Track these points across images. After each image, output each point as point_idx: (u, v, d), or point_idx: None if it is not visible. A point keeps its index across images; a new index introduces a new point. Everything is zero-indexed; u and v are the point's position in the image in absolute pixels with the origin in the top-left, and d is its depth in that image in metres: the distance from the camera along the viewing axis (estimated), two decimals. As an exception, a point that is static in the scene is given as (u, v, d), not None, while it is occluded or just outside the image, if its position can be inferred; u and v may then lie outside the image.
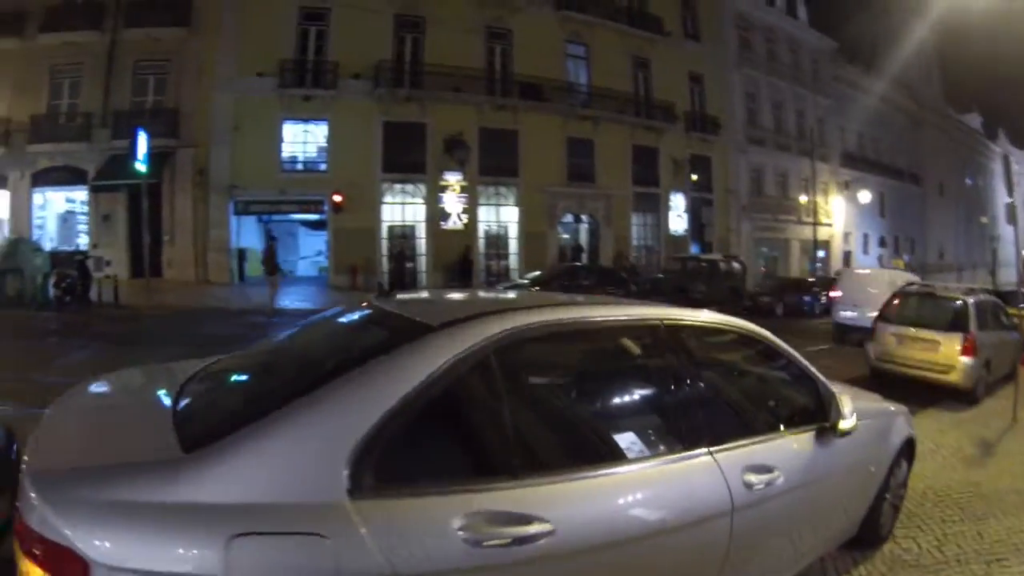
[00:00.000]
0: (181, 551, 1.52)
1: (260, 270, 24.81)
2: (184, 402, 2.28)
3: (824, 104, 37.21)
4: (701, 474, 2.42)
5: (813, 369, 3.25)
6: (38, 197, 23.92)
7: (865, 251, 40.83)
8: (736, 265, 23.09)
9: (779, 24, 35.13)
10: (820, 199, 35.82)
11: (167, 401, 2.31)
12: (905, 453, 4.01)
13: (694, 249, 27.08)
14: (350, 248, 22.31)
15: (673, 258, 23.65)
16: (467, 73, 23.64)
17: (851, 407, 3.01)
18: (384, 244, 23.51)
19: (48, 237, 23.57)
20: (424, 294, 4.19)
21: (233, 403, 2.32)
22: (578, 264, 22.49)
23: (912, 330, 9.44)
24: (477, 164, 23.88)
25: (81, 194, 23.45)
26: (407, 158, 23.20)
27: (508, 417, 2.08)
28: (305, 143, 23.38)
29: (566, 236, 26.55)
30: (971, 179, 53.79)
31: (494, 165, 24.26)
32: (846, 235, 38.66)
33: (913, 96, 46.14)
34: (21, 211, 23.41)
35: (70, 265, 16.25)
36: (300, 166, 23.25)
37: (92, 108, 22.87)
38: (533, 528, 1.88)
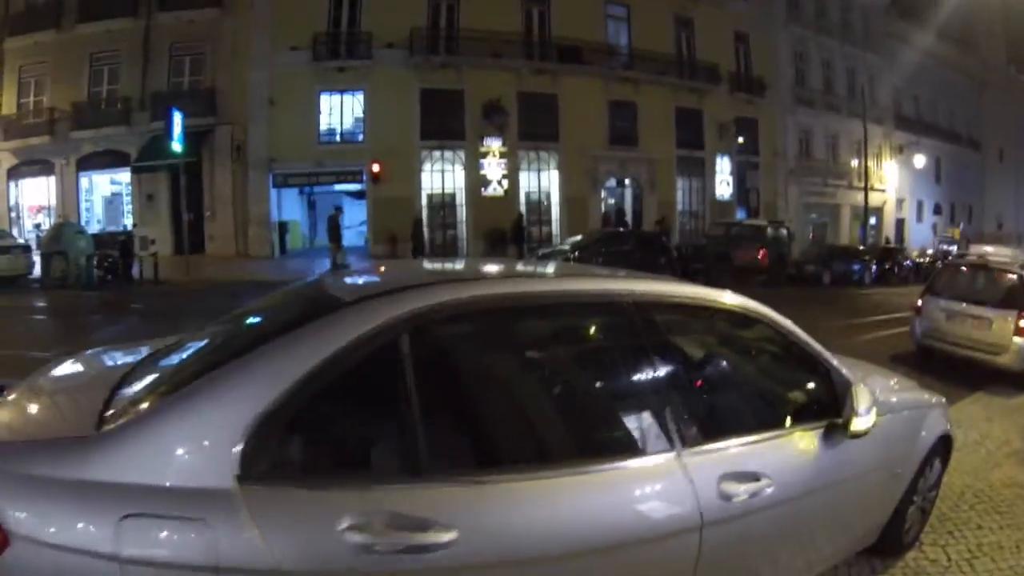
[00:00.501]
0: (82, 526, 1.52)
1: (301, 242, 25.22)
2: (126, 381, 2.18)
3: (876, 63, 35.42)
4: (661, 481, 2.03)
5: (827, 355, 2.78)
6: (84, 181, 24.82)
7: (919, 219, 39.08)
8: (782, 231, 22.13)
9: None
10: (872, 163, 34.34)
11: (114, 379, 2.21)
12: (939, 451, 3.40)
13: (740, 214, 26.09)
14: (389, 217, 22.07)
15: (717, 223, 22.76)
16: (504, 38, 23.17)
17: (870, 401, 2.47)
18: (424, 212, 23.31)
19: (96, 219, 24.20)
20: (406, 263, 3.85)
21: (153, 381, 2.14)
22: (620, 230, 21.65)
23: (962, 305, 8.57)
24: (516, 130, 23.54)
25: (125, 176, 24.09)
26: (445, 125, 22.99)
27: (417, 407, 1.78)
28: (342, 114, 23.44)
29: (611, 201, 25.89)
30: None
31: (534, 130, 23.78)
32: (899, 202, 36.99)
33: (975, 56, 43.86)
34: (69, 196, 24.22)
35: (112, 245, 16.61)
36: (337, 137, 23.39)
37: (131, 92, 23.53)
38: (433, 535, 1.65)
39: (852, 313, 15.16)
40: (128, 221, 23.53)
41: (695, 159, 26.98)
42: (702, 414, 2.36)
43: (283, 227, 23.89)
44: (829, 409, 2.56)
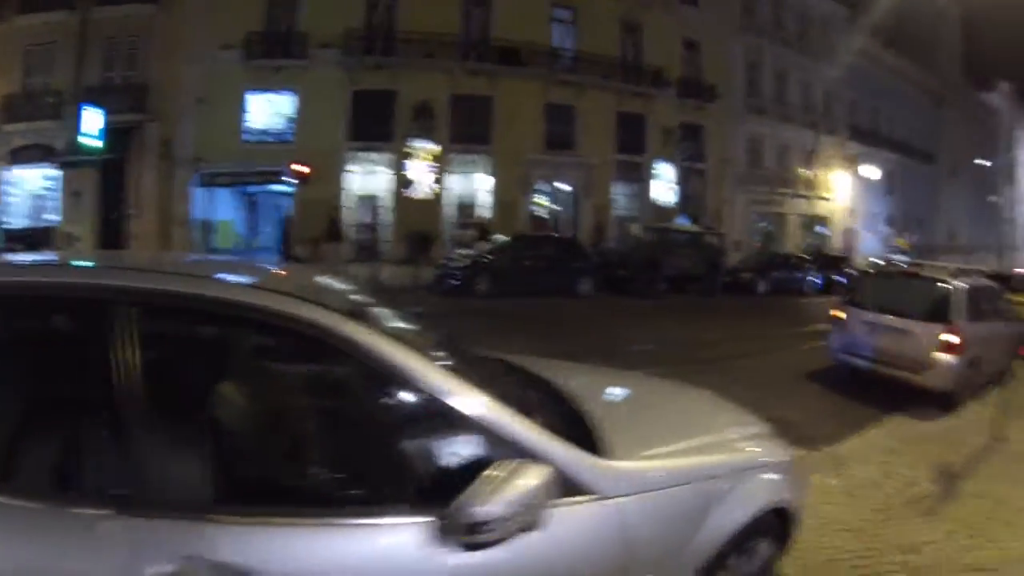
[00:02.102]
0: None
1: (234, 242, 24.82)
2: None
3: (834, 75, 35.53)
4: (85, 547, 1.52)
5: (480, 403, 1.88)
6: (12, 175, 23.99)
7: (870, 229, 39.35)
8: (716, 238, 21.93)
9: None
10: (822, 173, 34.54)
11: None
12: (766, 530, 2.49)
13: (682, 220, 26.00)
14: (314, 218, 21.67)
15: (649, 228, 22.35)
16: (442, 39, 22.83)
17: (524, 486, 1.65)
18: (348, 214, 23.00)
19: (23, 214, 23.57)
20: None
21: None
22: (536, 235, 21.01)
23: (884, 317, 7.91)
24: (448, 132, 23.18)
25: (55, 171, 23.29)
26: (375, 127, 22.67)
27: None
28: (272, 114, 23.06)
29: (548, 205, 25.62)
30: (990, 160, 51.53)
31: (466, 133, 23.43)
32: (850, 212, 37.23)
33: (933, 72, 44.38)
34: (-5, 188, 23.41)
35: (23, 240, 16.12)
36: (266, 137, 22.89)
37: (64, 86, 22.83)
38: None
39: (778, 324, 14.88)
40: (53, 217, 22.94)
41: (635, 164, 26.66)
42: (174, 473, 1.67)
43: (209, 226, 23.29)
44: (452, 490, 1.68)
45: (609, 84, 25.45)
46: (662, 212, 26.30)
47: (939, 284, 7.85)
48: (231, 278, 2.08)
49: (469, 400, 1.85)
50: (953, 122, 46.78)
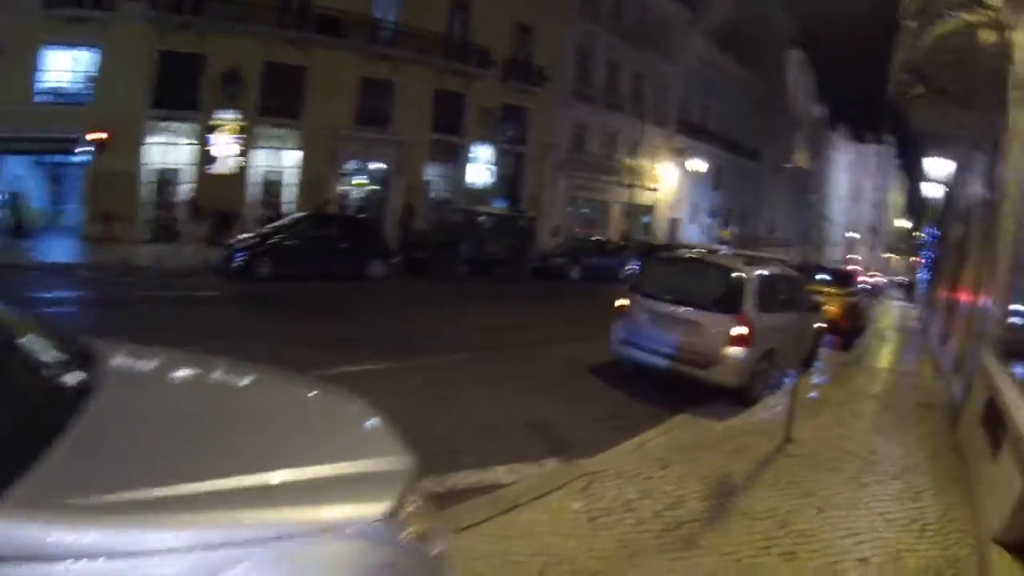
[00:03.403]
0: None
1: (31, 218, 22.35)
2: None
3: (667, 70, 37.15)
4: None
5: None
6: None
7: (693, 220, 42.07)
8: (525, 221, 22.22)
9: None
10: (648, 163, 36.31)
11: None
12: None
13: (499, 203, 26.49)
14: (109, 192, 19.74)
15: (454, 210, 22.15)
16: (259, 2, 21.26)
17: None
18: (145, 189, 21.03)
19: None
20: None
21: None
22: (324, 214, 19.53)
23: (669, 307, 7.20)
24: (258, 103, 21.70)
25: None
26: (181, 94, 20.70)
27: None
28: (72, 73, 20.39)
29: (361, 183, 25.15)
30: (809, 162, 56.84)
31: (276, 104, 22.10)
32: (675, 202, 39.59)
33: (761, 76, 47.72)
34: None
35: None
36: (63, 99, 20.18)
37: None
38: None
39: (580, 310, 14.68)
40: None
41: (453, 144, 26.44)
42: None
43: (15, 199, 20.20)
44: None
45: (429, 60, 24.94)
46: (479, 194, 26.56)
47: (729, 272, 7.27)
48: None
49: None
50: (775, 124, 50.72)
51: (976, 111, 8.86)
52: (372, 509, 1.83)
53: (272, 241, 15.17)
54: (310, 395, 2.65)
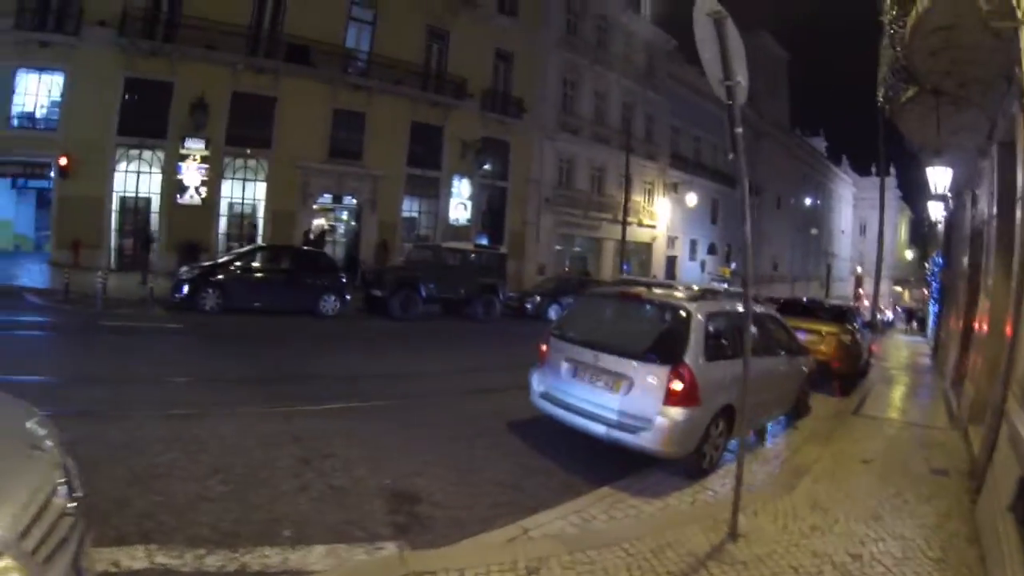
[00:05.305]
0: None
1: (13, 244, 21.71)
2: None
3: (657, 101, 36.17)
4: None
5: None
6: None
7: (692, 257, 40.67)
8: (496, 259, 21.04)
9: (613, 14, 33.14)
10: (643, 199, 35.07)
11: None
12: None
13: (480, 240, 25.20)
14: (77, 220, 19.20)
15: (418, 246, 20.75)
16: (228, 29, 20.63)
17: None
18: (115, 217, 20.35)
19: None
20: None
21: None
22: (276, 246, 18.18)
23: (591, 354, 5.74)
24: (225, 132, 20.95)
25: None
26: (148, 121, 20.09)
27: None
28: (42, 97, 19.88)
29: (334, 218, 24.01)
30: (812, 197, 55.46)
31: (245, 135, 21.30)
32: (672, 239, 38.23)
33: (757, 108, 46.85)
34: None
35: None
36: (31, 123, 19.74)
37: None
38: None
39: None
40: None
41: (430, 179, 25.39)
42: None
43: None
44: None
45: (405, 91, 24.06)
46: (459, 231, 25.37)
47: (667, 310, 5.84)
48: None
49: None
50: (777, 157, 49.67)
51: (975, 109, 7.51)
52: None
53: (219, 272, 14.58)
54: None
